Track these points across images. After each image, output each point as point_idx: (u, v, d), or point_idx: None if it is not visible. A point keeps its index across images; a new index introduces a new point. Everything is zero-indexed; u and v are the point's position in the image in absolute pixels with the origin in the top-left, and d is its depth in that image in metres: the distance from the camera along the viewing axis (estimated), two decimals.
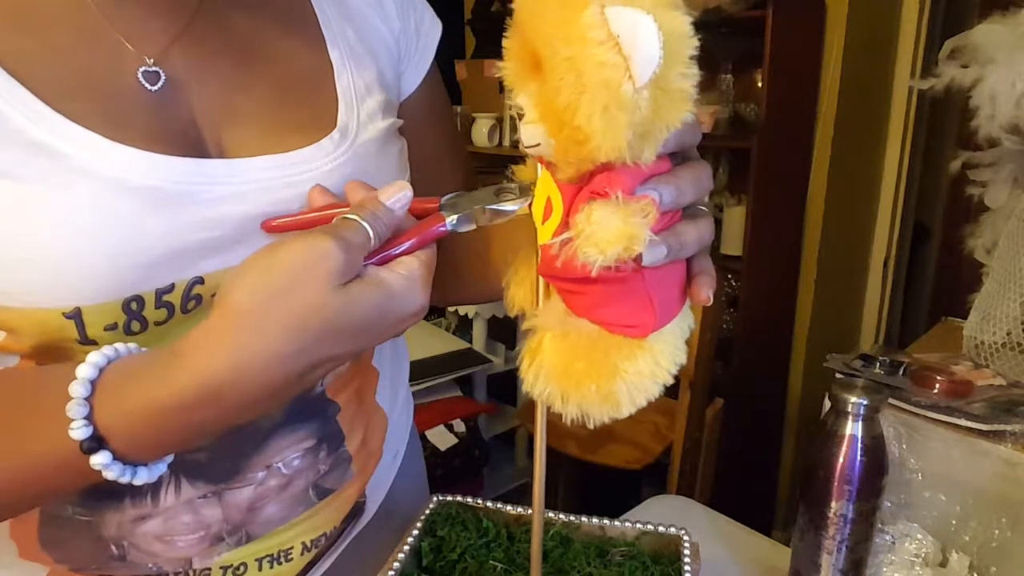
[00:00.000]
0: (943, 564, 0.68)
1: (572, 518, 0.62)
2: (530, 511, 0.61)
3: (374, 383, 0.62)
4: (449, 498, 0.65)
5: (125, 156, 0.40)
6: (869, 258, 2.13)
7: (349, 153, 0.49)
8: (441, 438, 1.94)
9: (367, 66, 0.53)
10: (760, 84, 1.83)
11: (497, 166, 2.49)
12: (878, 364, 0.79)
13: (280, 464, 0.52)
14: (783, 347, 2.02)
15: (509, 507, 0.63)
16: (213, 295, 0.41)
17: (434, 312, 2.33)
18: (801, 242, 1.93)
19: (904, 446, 0.71)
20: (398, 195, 0.41)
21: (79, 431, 0.34)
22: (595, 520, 0.62)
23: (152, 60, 0.43)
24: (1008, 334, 0.80)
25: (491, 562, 0.59)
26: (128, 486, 0.37)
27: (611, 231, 0.31)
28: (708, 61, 1.96)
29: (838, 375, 0.75)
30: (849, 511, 0.59)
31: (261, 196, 0.44)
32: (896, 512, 0.71)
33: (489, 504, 0.64)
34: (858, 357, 0.82)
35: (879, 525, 0.63)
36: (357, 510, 0.61)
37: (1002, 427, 0.68)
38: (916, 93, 1.97)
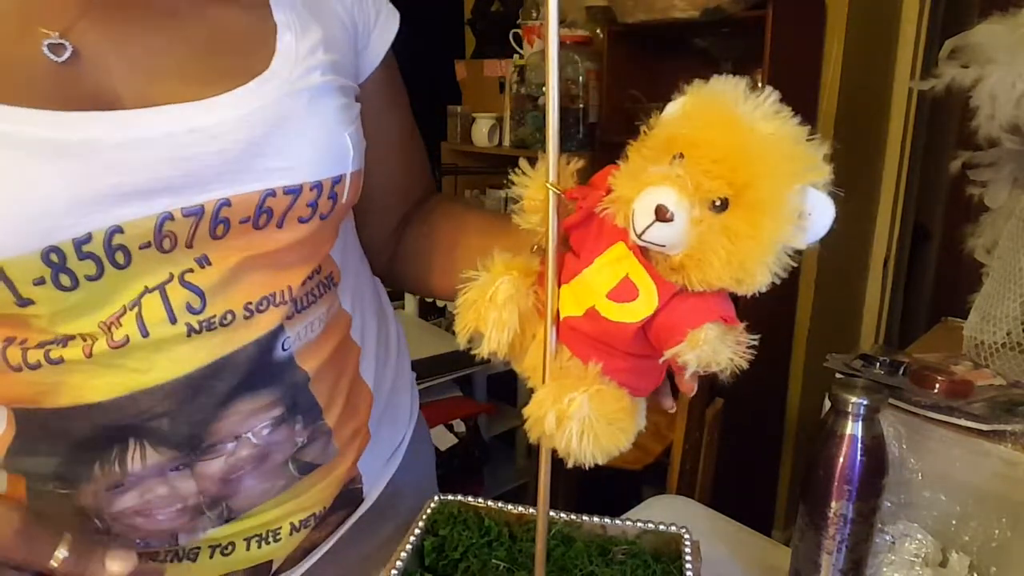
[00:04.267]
0: (943, 564, 0.68)
1: (574, 517, 0.62)
2: (532, 510, 0.61)
3: (355, 357, 0.61)
4: (450, 497, 0.65)
5: (18, 113, 0.39)
6: (869, 258, 2.13)
7: (271, 98, 0.46)
8: (441, 438, 1.94)
9: (314, 31, 0.51)
10: (760, 84, 1.83)
11: (497, 166, 2.49)
12: (878, 364, 0.79)
13: (250, 434, 0.51)
14: (783, 347, 2.02)
15: (511, 506, 0.63)
16: (140, 246, 0.43)
17: (434, 312, 2.33)
18: None
19: (904, 446, 0.72)
20: None
21: None
22: (596, 519, 0.62)
23: (57, 34, 0.42)
24: (1008, 334, 0.81)
25: (493, 561, 0.59)
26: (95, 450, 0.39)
27: (721, 356, 0.35)
28: (708, 61, 1.96)
29: (838, 375, 0.75)
30: (849, 511, 0.59)
31: (167, 140, 0.43)
32: (896, 512, 0.71)
33: (491, 503, 0.64)
34: (858, 357, 0.82)
35: (879, 525, 0.64)
36: (351, 496, 0.61)
37: (1002, 427, 0.68)
38: (916, 93, 1.98)
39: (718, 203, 0.35)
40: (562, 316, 0.41)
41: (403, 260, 0.69)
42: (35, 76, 0.42)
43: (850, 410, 0.58)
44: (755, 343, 0.37)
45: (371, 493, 0.64)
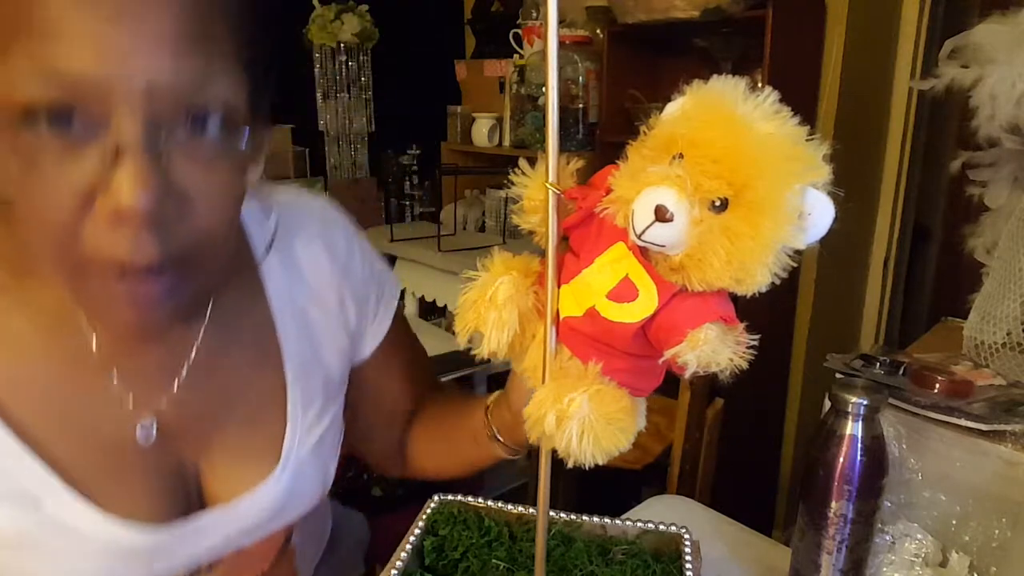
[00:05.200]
0: (943, 564, 0.68)
1: (574, 517, 0.62)
2: (531, 510, 0.61)
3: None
4: (450, 497, 0.65)
5: (113, 529, 0.48)
6: (869, 258, 2.13)
7: (285, 484, 0.58)
8: None
9: (314, 376, 0.61)
10: (760, 84, 1.82)
11: (497, 166, 2.49)
12: (878, 364, 0.79)
13: None
14: (783, 347, 2.02)
15: (510, 506, 0.63)
16: None
17: (434, 312, 2.33)
18: None
19: (904, 446, 0.71)
20: None
21: None
22: (596, 519, 0.62)
23: (148, 417, 0.51)
24: (1008, 334, 0.80)
25: (493, 561, 0.59)
26: None
27: (721, 357, 0.36)
28: (708, 61, 1.96)
29: (838, 375, 0.75)
30: (849, 511, 0.59)
31: (226, 529, 0.55)
32: (896, 512, 0.71)
33: (491, 503, 0.64)
34: (858, 357, 0.82)
35: (879, 525, 0.63)
36: None
37: (1002, 427, 0.68)
38: (916, 93, 1.97)
39: (718, 203, 0.35)
40: (562, 316, 0.41)
41: (418, 460, 0.76)
42: (117, 458, 0.50)
43: (850, 410, 0.58)
44: (755, 343, 0.36)
45: None
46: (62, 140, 0.37)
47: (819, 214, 0.35)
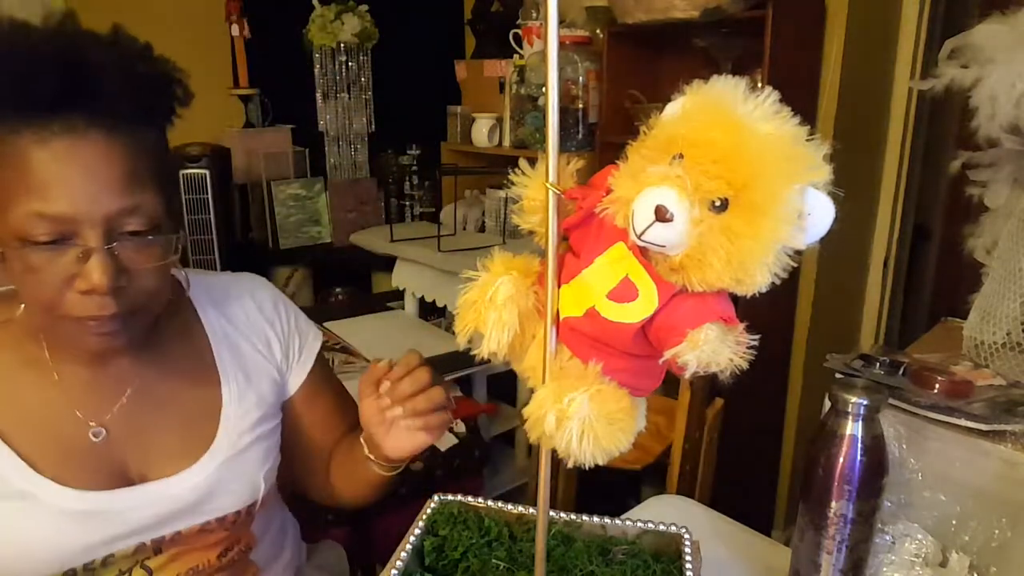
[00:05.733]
0: (943, 564, 0.68)
1: (574, 517, 0.62)
2: (531, 510, 0.61)
3: None
4: (450, 497, 0.65)
5: (61, 490, 0.67)
6: (869, 258, 2.13)
7: (213, 468, 0.75)
8: (441, 438, 1.94)
9: (248, 395, 0.80)
10: (760, 84, 1.83)
11: (497, 166, 2.49)
12: (878, 364, 0.79)
13: None
14: (783, 347, 2.02)
15: (510, 506, 0.63)
16: (122, 559, 0.70)
17: (434, 312, 2.33)
18: None
19: (904, 446, 0.72)
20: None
21: None
22: (596, 519, 0.62)
23: (97, 425, 0.71)
24: (1008, 334, 0.81)
25: (493, 561, 0.59)
26: None
27: (721, 357, 0.36)
28: (708, 61, 1.96)
29: (838, 375, 0.75)
30: (849, 511, 0.59)
31: (157, 504, 0.71)
32: (896, 512, 0.71)
33: (491, 503, 0.64)
34: (858, 357, 0.82)
35: (879, 525, 0.63)
36: None
37: (1002, 427, 0.68)
38: (916, 93, 1.97)
39: (718, 203, 0.35)
40: (562, 316, 0.41)
41: (336, 487, 0.90)
42: (75, 452, 0.69)
43: (850, 410, 0.58)
44: (755, 343, 0.36)
45: None
46: (51, 251, 0.60)
47: (819, 214, 0.35)
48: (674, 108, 0.38)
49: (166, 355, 0.76)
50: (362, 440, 0.80)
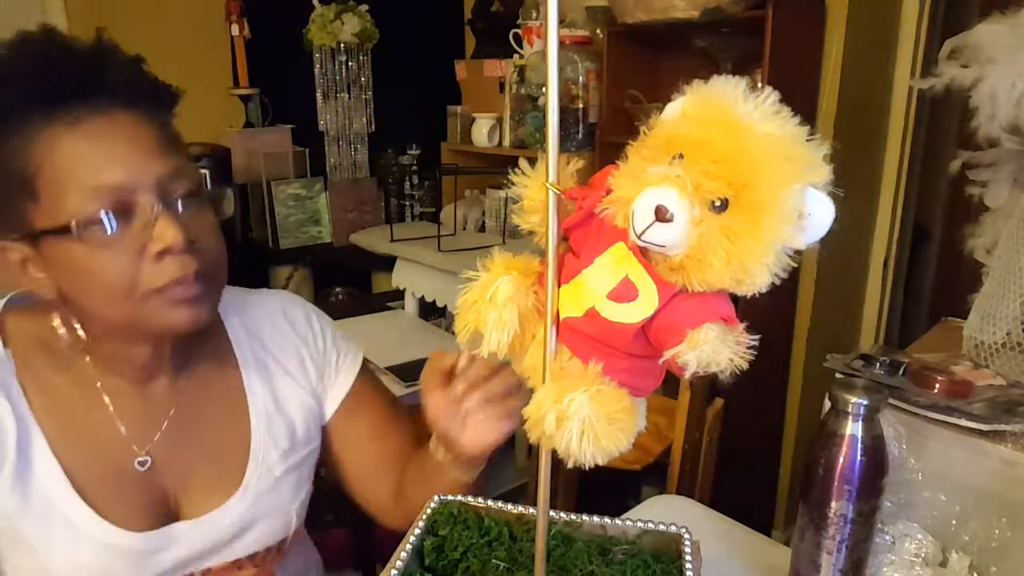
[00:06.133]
0: (943, 564, 0.68)
1: (574, 517, 0.62)
2: (531, 510, 0.61)
3: None
4: (450, 497, 0.65)
5: (111, 531, 0.67)
6: (869, 258, 2.13)
7: (247, 505, 0.75)
8: None
9: (277, 424, 0.78)
10: (760, 84, 1.83)
11: (497, 166, 2.49)
12: (878, 364, 0.79)
13: None
14: (783, 347, 2.02)
15: (510, 506, 0.63)
16: None
17: (434, 312, 2.33)
18: None
19: (904, 446, 0.72)
20: None
21: None
22: (596, 519, 0.62)
23: (143, 453, 0.71)
24: (1008, 334, 0.80)
25: (493, 561, 0.59)
26: None
27: (721, 357, 0.36)
28: (708, 61, 1.96)
29: (838, 375, 0.75)
30: (849, 511, 0.59)
31: (197, 540, 0.72)
32: (896, 512, 0.71)
33: (491, 503, 0.64)
34: (858, 357, 0.82)
35: (879, 525, 0.63)
36: None
37: (1002, 427, 0.68)
38: (916, 93, 1.97)
39: (718, 203, 0.35)
40: (562, 316, 0.41)
41: (410, 505, 0.82)
42: (123, 484, 0.69)
43: (850, 410, 0.58)
44: (755, 343, 0.36)
45: None
46: (118, 224, 0.61)
47: (819, 214, 0.35)
48: (674, 108, 0.38)
49: (200, 380, 0.76)
50: (431, 446, 0.75)
